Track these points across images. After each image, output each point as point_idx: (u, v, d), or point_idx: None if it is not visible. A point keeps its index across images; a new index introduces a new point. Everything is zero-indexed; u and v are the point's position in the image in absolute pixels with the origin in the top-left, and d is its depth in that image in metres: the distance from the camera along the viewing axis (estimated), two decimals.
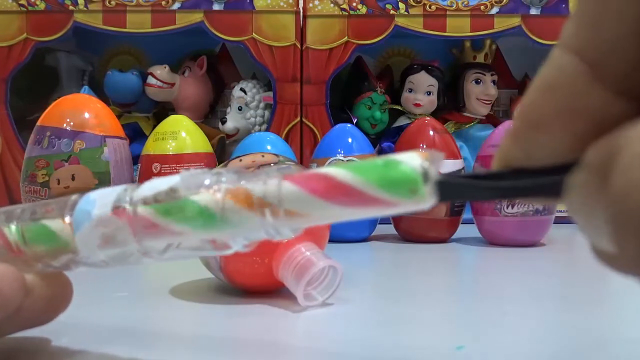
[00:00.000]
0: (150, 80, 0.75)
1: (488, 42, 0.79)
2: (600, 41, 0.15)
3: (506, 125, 0.59)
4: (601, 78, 0.15)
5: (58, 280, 0.27)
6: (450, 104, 0.80)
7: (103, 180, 0.55)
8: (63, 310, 0.27)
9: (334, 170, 0.20)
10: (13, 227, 0.25)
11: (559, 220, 0.58)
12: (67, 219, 0.24)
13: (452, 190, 0.18)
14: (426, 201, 0.18)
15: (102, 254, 0.24)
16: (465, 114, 0.79)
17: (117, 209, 0.23)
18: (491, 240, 0.58)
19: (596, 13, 0.15)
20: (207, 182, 0.22)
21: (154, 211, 0.23)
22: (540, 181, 0.16)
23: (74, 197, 0.25)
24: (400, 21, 0.73)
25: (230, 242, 0.23)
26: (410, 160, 0.18)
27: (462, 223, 0.60)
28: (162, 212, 0.22)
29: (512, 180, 0.17)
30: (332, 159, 0.60)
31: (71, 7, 0.72)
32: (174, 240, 0.23)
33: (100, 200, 0.24)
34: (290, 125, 0.73)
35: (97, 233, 0.23)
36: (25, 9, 0.72)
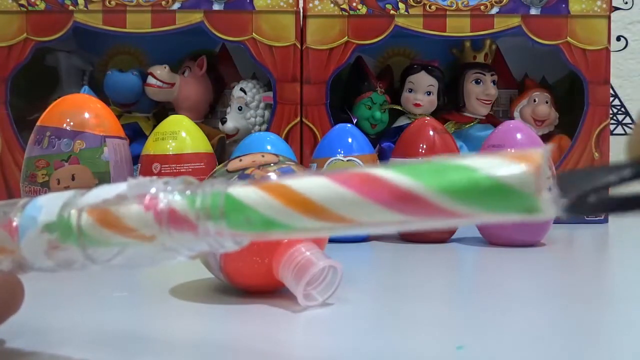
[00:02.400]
0: (150, 80, 0.75)
1: (488, 42, 0.79)
2: None
3: (506, 125, 0.58)
4: None
5: (6, 283, 0.26)
6: (450, 104, 0.80)
7: (103, 180, 0.55)
8: (13, 314, 0.27)
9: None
10: None
11: (559, 220, 0.58)
12: (15, 222, 0.24)
13: (572, 183, 0.16)
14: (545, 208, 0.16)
15: (49, 260, 0.24)
16: (465, 114, 0.79)
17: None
18: (491, 240, 0.58)
19: None
20: (153, 190, 0.22)
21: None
22: None
23: (22, 201, 0.25)
24: (400, 21, 0.73)
25: (175, 253, 0.23)
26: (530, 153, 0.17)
27: None
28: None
29: None
30: (332, 159, 0.60)
31: (71, 7, 0.72)
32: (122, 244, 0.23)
33: (47, 207, 0.24)
34: (290, 125, 0.73)
35: (42, 239, 0.23)
36: (25, 9, 0.72)
